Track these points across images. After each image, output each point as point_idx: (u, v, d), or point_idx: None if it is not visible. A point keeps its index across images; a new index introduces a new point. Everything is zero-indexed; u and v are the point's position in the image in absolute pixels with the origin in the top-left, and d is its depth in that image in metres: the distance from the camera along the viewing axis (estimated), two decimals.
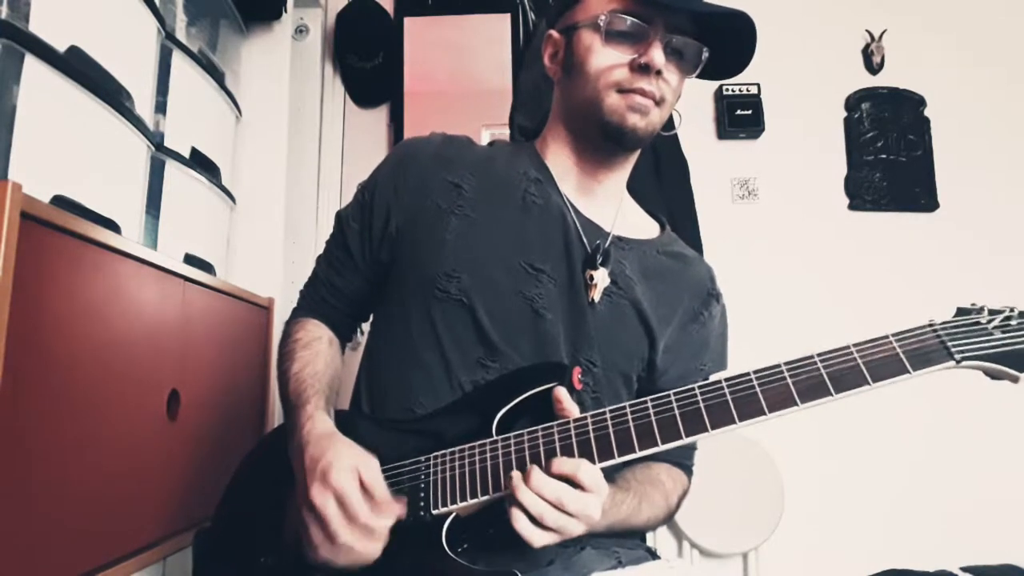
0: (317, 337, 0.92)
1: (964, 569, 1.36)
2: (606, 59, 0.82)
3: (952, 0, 2.13)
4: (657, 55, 0.80)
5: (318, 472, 0.69)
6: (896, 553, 1.67)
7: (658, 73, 0.81)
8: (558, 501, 0.64)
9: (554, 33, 0.90)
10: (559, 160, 0.92)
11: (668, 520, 0.87)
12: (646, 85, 0.82)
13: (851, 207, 2.07)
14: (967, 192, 2.05)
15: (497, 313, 0.82)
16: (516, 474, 0.66)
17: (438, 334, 0.83)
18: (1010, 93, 2.10)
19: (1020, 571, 1.43)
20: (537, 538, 0.65)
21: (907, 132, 2.09)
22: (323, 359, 0.90)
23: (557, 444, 0.69)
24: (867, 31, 2.12)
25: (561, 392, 0.73)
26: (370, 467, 0.71)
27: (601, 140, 0.86)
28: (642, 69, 0.81)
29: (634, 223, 0.95)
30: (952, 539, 1.79)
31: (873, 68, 2.11)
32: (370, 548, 0.68)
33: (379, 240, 0.90)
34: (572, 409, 0.72)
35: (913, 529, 1.87)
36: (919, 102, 2.10)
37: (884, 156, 2.08)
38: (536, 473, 0.65)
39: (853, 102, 2.11)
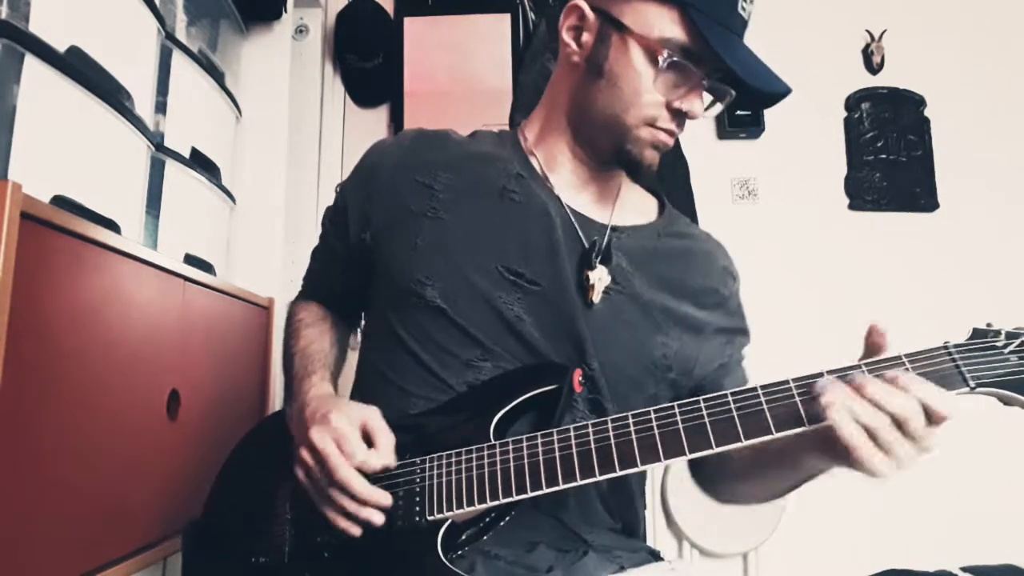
0: (321, 318, 0.94)
1: (964, 569, 1.35)
2: (652, 95, 0.76)
3: (952, 0, 2.13)
4: (699, 107, 0.77)
5: (318, 417, 0.71)
6: (896, 553, 1.67)
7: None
8: (904, 419, 0.56)
9: (585, 8, 0.80)
10: (553, 151, 0.86)
11: None
12: (676, 128, 0.79)
13: (851, 207, 2.07)
14: (967, 192, 2.05)
15: (475, 319, 0.79)
16: (835, 381, 0.58)
17: (423, 339, 0.81)
18: (1010, 94, 2.10)
19: (1020, 571, 1.42)
20: (878, 462, 0.57)
21: (907, 132, 2.09)
22: (328, 338, 0.91)
23: (557, 452, 0.67)
24: (867, 31, 2.12)
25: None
26: (373, 415, 0.72)
27: (609, 157, 0.83)
28: (679, 114, 0.78)
29: (632, 205, 0.90)
30: (952, 539, 1.79)
31: (873, 68, 2.11)
32: (366, 489, 0.68)
33: (356, 247, 0.87)
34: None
35: (913, 529, 1.87)
36: (919, 102, 2.10)
37: (884, 156, 2.08)
38: (875, 383, 0.57)
39: (853, 102, 2.11)
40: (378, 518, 0.69)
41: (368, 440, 0.71)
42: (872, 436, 0.57)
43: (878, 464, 0.58)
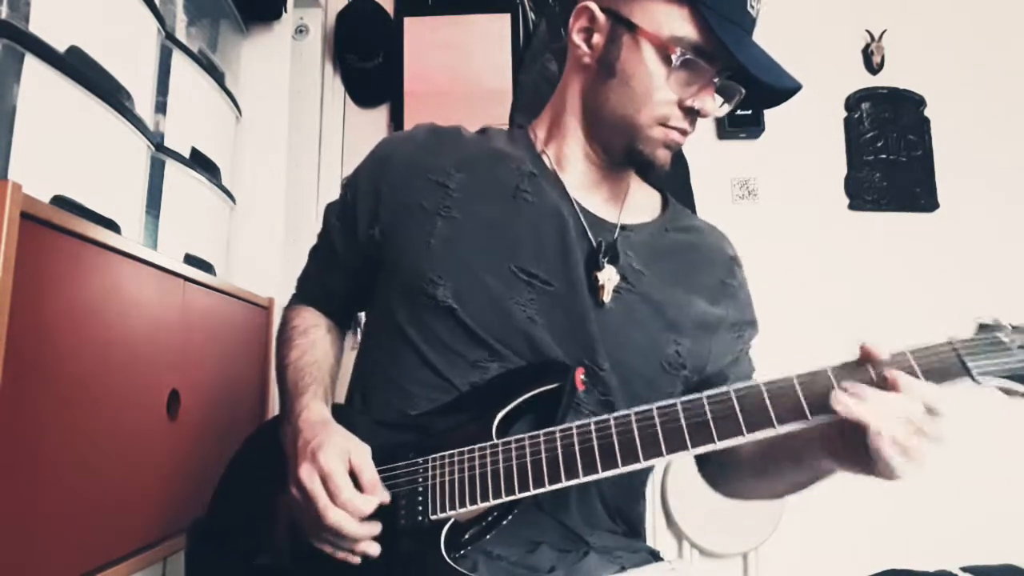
0: (315, 324, 0.92)
1: (964, 569, 1.35)
2: (664, 94, 0.77)
3: (952, 0, 2.13)
4: (711, 104, 0.78)
5: (308, 452, 0.71)
6: (896, 553, 1.67)
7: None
8: (913, 422, 0.59)
9: (595, 9, 0.81)
10: (564, 151, 0.86)
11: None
12: (688, 127, 0.80)
13: (851, 207, 2.07)
14: (967, 192, 2.05)
15: (486, 319, 0.78)
16: (847, 399, 0.59)
17: (430, 339, 0.80)
18: (1010, 94, 2.09)
19: (1020, 571, 1.42)
20: (898, 463, 0.59)
21: (907, 132, 2.09)
22: (321, 347, 0.89)
23: (559, 451, 0.67)
24: (867, 31, 2.12)
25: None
26: (361, 452, 0.72)
27: (621, 157, 0.83)
28: (692, 112, 0.78)
29: (638, 203, 0.90)
30: (952, 539, 1.79)
31: (873, 68, 2.11)
32: (357, 530, 0.68)
33: (364, 243, 0.86)
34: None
35: (913, 529, 1.87)
36: (919, 102, 2.10)
37: (884, 156, 2.08)
38: (881, 395, 0.59)
39: (853, 102, 2.11)
40: (374, 550, 0.69)
41: (353, 477, 0.71)
42: (899, 447, 0.59)
43: (899, 465, 0.59)
